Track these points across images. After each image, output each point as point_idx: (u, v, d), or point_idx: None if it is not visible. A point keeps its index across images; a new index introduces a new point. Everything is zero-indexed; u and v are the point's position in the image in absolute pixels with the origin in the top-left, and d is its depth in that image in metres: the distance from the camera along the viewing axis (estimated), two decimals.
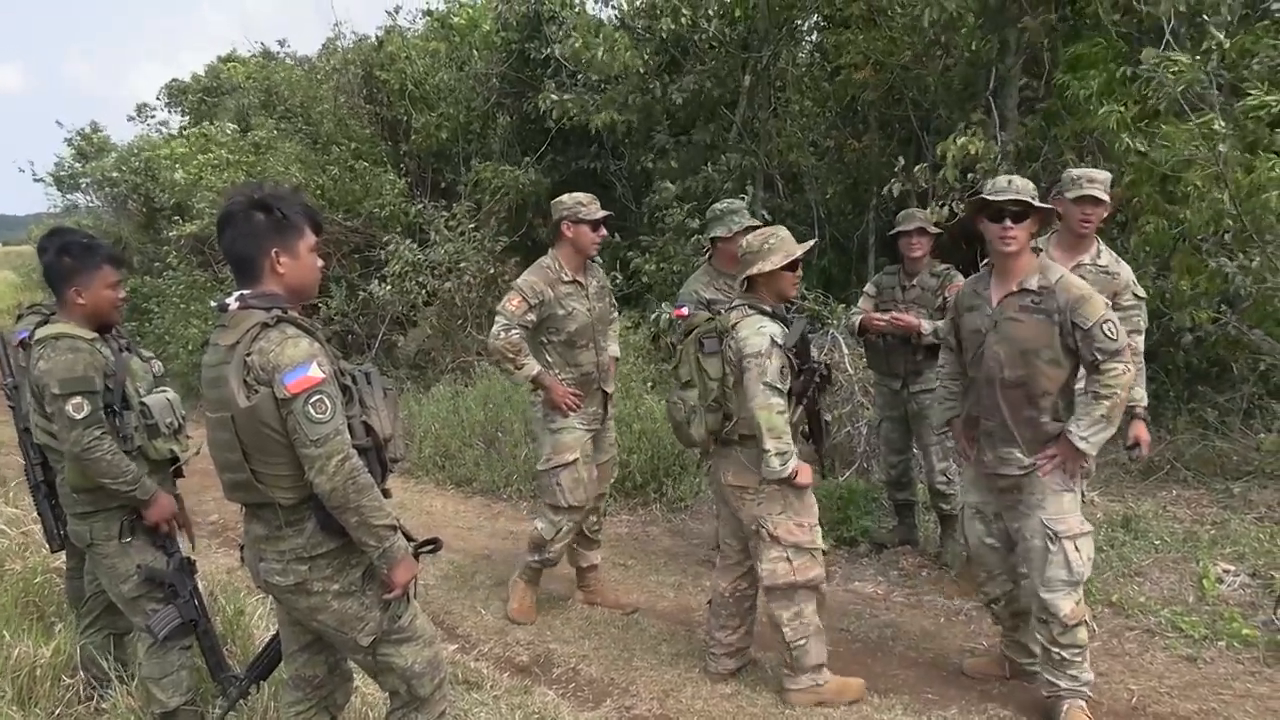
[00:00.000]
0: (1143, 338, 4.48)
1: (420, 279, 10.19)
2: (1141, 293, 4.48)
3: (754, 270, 3.88)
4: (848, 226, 9.55)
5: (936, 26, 7.37)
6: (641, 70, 9.15)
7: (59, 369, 3.35)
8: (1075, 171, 4.48)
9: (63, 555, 4.51)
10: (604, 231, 4.89)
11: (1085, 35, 7.35)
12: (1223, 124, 5.53)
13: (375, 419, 2.80)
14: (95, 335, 3.51)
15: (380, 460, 2.81)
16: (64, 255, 3.50)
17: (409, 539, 2.85)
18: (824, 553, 4.02)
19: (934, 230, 5.34)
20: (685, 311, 5.16)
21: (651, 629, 4.87)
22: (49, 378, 3.35)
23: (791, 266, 3.90)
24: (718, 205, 5.28)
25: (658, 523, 6.61)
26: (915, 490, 5.80)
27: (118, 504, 3.51)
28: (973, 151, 6.72)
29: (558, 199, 4.91)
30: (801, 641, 3.96)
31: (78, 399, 3.34)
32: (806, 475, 3.86)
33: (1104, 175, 4.43)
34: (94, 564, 3.64)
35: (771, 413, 3.73)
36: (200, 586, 3.76)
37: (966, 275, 5.51)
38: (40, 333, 3.49)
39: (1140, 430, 4.53)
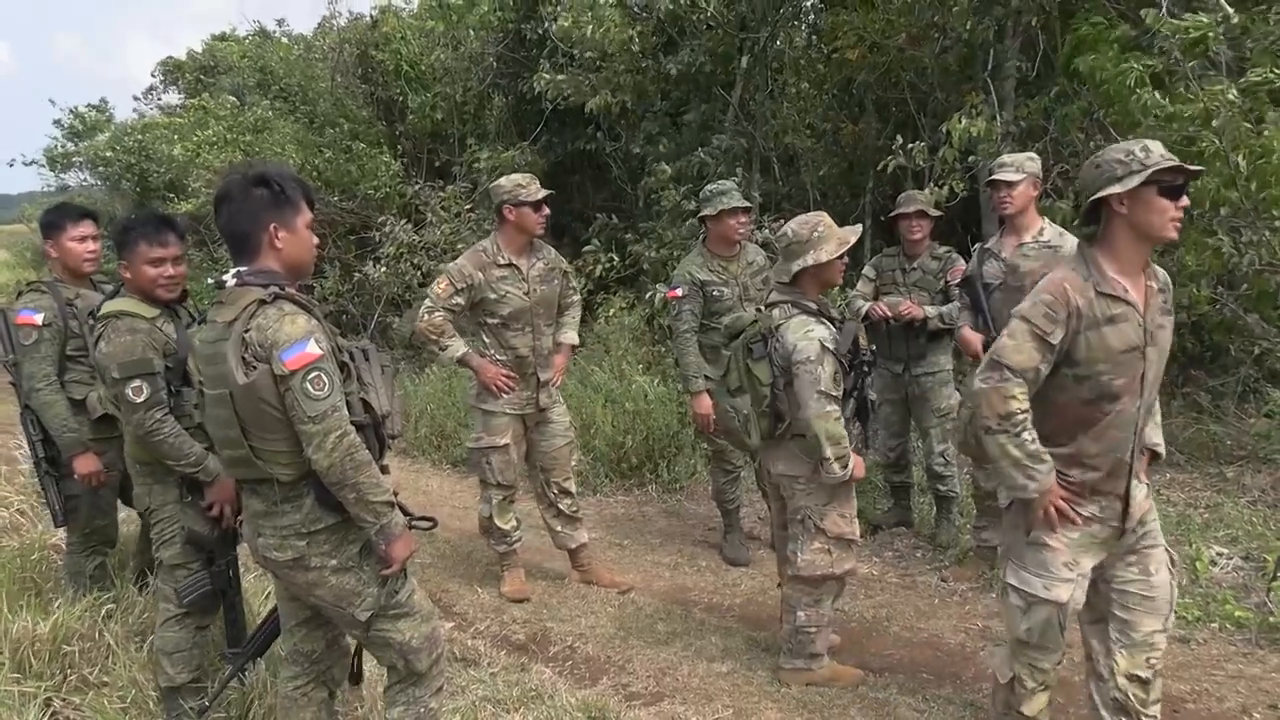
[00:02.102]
0: None
1: (415, 260, 10.17)
2: None
3: (809, 261, 3.73)
4: (843, 209, 9.52)
5: (922, 5, 7.36)
6: (635, 48, 9.09)
7: (118, 352, 3.38)
8: (997, 160, 4.68)
9: (61, 532, 4.54)
10: (546, 211, 4.87)
11: (1081, 14, 7.34)
12: (1236, 93, 5.55)
13: (373, 395, 2.81)
14: (157, 312, 3.53)
15: (378, 436, 2.82)
16: (115, 232, 3.60)
17: (406, 514, 2.85)
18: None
19: (934, 213, 5.33)
20: (679, 293, 5.18)
21: (648, 608, 4.89)
22: (109, 360, 3.38)
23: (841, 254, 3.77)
24: (709, 186, 5.28)
25: (653, 503, 6.62)
26: (912, 473, 5.82)
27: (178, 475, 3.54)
28: (974, 133, 6.71)
29: (496, 183, 4.93)
30: (812, 630, 3.97)
31: (137, 382, 3.37)
32: (860, 469, 3.83)
33: (1015, 158, 4.57)
34: (153, 530, 3.67)
35: (828, 421, 3.63)
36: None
37: (963, 254, 5.56)
38: (105, 308, 3.52)
39: None
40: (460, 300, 4.77)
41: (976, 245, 4.92)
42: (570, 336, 5.13)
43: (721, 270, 5.19)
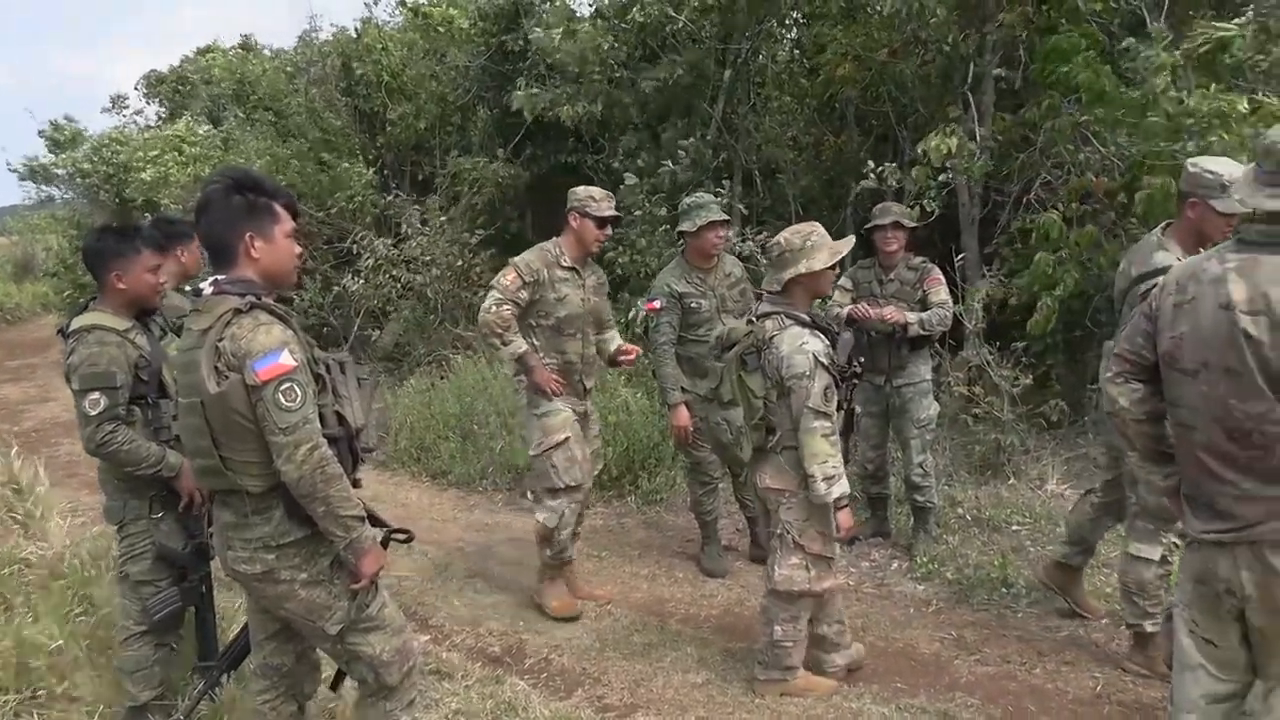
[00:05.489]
0: None
1: (394, 273, 10.16)
2: None
3: (801, 270, 3.75)
4: (825, 222, 9.44)
5: (903, 18, 7.43)
6: (607, 58, 9.11)
7: (81, 364, 3.37)
8: (1225, 171, 3.50)
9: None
10: (609, 230, 4.87)
11: (1063, 29, 7.41)
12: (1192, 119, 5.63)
13: (348, 408, 2.81)
14: (130, 325, 3.51)
15: (351, 450, 2.82)
16: (103, 239, 3.52)
17: (382, 525, 2.85)
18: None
19: (909, 224, 5.37)
20: (657, 305, 5.19)
21: (624, 619, 4.88)
22: (72, 373, 3.38)
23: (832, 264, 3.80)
24: (687, 199, 5.29)
25: (632, 515, 6.61)
26: (889, 484, 5.83)
27: (150, 487, 3.52)
28: (945, 150, 6.77)
29: (573, 189, 4.90)
30: (788, 644, 3.96)
31: (94, 395, 3.35)
32: (850, 518, 3.78)
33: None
34: (121, 544, 3.63)
35: (815, 436, 3.62)
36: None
37: (942, 268, 5.60)
38: (75, 323, 3.49)
39: None
40: (525, 295, 4.69)
41: (1160, 265, 3.60)
42: (617, 339, 5.14)
43: (699, 282, 5.21)
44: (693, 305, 5.16)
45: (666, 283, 5.23)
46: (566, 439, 4.75)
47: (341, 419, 2.78)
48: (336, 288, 10.41)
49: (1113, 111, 6.45)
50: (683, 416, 5.13)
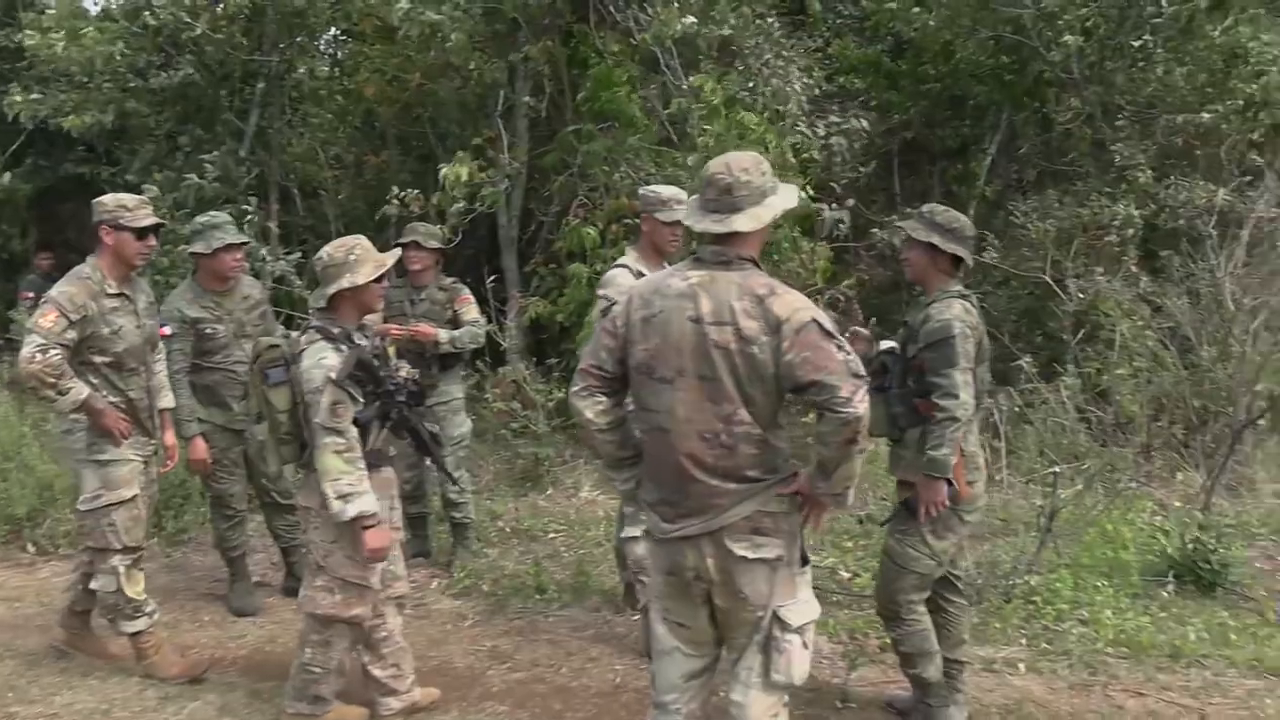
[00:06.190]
0: None
1: None
2: None
3: (344, 284, 3.60)
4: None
5: (424, 41, 7.64)
6: (120, 66, 8.38)
7: None
8: (665, 192, 4.36)
9: None
10: (153, 241, 4.35)
11: (591, 62, 7.95)
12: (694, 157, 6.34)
13: None
14: None
15: None
16: None
17: None
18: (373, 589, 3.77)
19: (432, 245, 5.48)
20: (168, 331, 4.81)
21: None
22: None
23: (380, 277, 3.70)
24: (199, 218, 4.99)
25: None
26: (428, 502, 5.87)
27: None
28: (464, 178, 7.03)
29: (98, 199, 4.31)
30: (318, 671, 3.80)
31: None
32: (379, 539, 3.60)
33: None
34: None
35: (326, 453, 3.49)
36: None
37: (475, 291, 5.76)
38: None
39: None
40: (73, 334, 4.01)
41: (609, 274, 4.45)
42: (170, 400, 4.56)
43: (215, 306, 4.91)
44: (207, 331, 4.86)
45: (178, 307, 4.87)
46: (134, 497, 4.24)
47: None
48: None
49: (644, 139, 7.05)
50: (200, 449, 4.81)
